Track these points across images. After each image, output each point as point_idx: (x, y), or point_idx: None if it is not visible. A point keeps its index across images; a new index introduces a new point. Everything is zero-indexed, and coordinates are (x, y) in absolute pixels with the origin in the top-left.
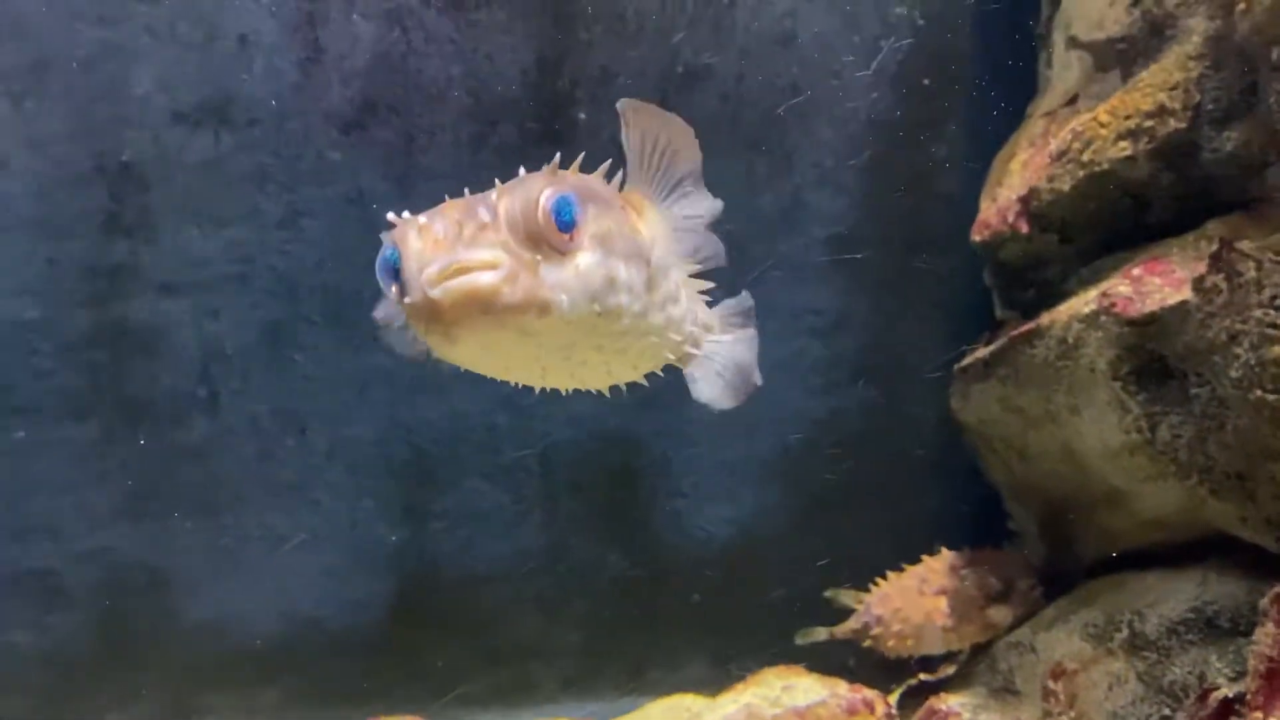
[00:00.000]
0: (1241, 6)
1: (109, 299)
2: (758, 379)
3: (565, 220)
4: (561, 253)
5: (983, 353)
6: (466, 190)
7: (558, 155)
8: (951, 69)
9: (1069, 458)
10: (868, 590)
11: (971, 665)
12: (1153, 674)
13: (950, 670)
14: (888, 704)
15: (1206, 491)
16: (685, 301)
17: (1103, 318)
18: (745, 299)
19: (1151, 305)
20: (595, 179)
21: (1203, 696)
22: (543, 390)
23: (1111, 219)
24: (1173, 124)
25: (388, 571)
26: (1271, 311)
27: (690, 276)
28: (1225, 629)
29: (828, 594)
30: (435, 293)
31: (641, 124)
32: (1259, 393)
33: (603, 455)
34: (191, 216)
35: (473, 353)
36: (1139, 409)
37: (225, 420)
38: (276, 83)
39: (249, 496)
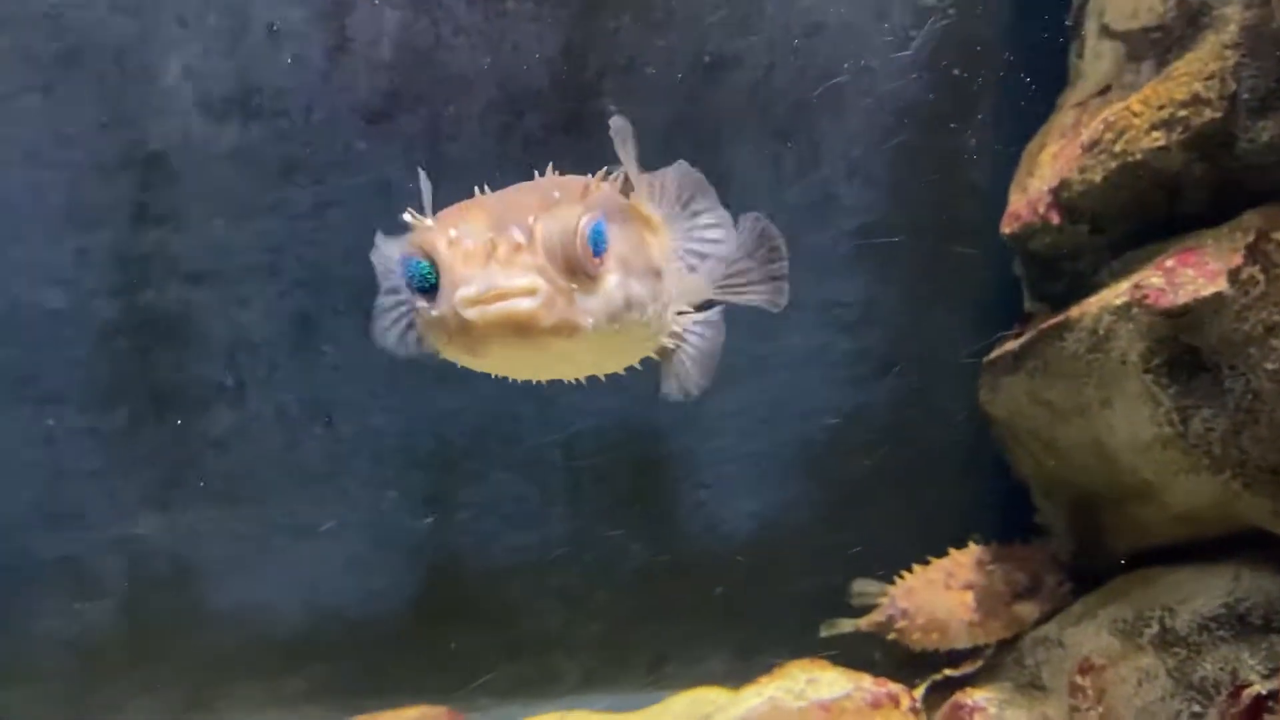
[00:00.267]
0: None
1: (138, 288)
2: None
3: (597, 247)
4: (591, 277)
5: (1012, 345)
6: (484, 188)
7: (604, 170)
8: (981, 59)
9: (1099, 451)
10: (893, 583)
11: (998, 660)
12: (1183, 670)
13: (976, 665)
14: (913, 698)
15: (1240, 486)
16: (674, 299)
17: (1134, 309)
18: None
19: (1185, 297)
20: (612, 190)
21: (1235, 693)
22: (567, 382)
23: (1144, 210)
24: (1208, 114)
25: (412, 562)
26: None
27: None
28: (1258, 625)
29: (853, 585)
30: (471, 314)
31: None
32: None
33: (627, 447)
34: (220, 206)
35: (489, 363)
36: (1171, 402)
37: (252, 410)
38: (305, 73)
39: (275, 486)
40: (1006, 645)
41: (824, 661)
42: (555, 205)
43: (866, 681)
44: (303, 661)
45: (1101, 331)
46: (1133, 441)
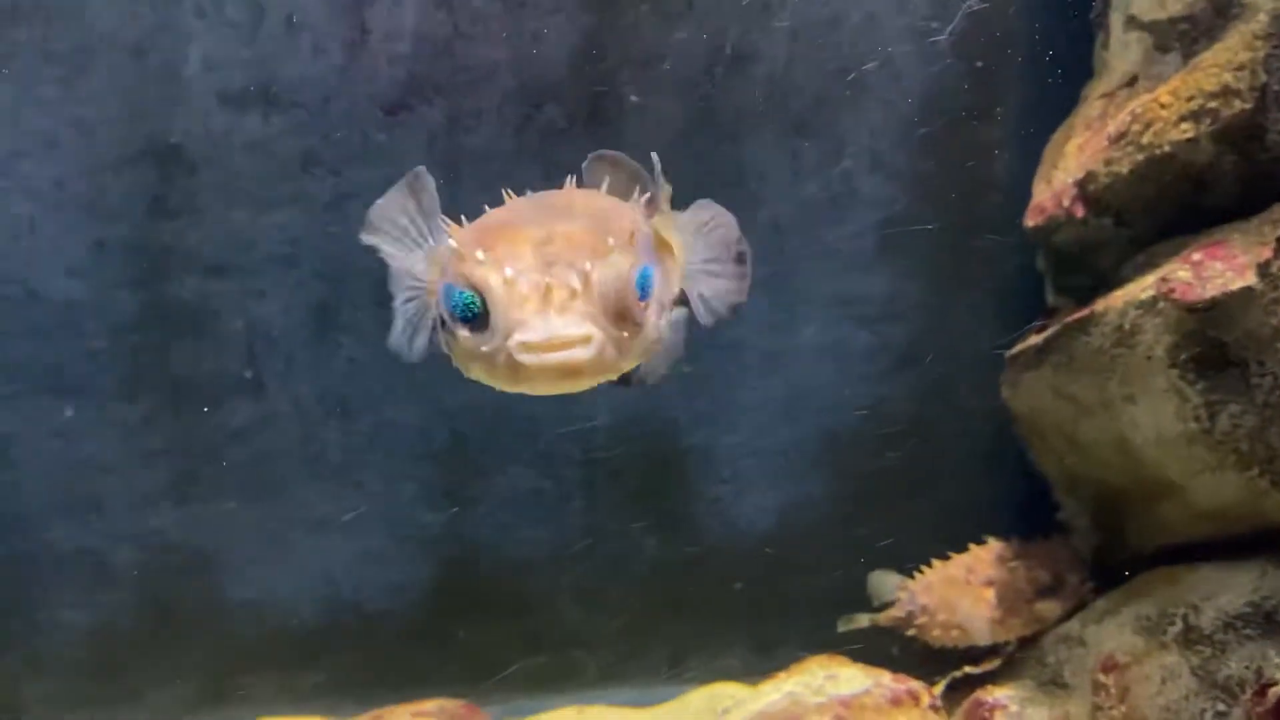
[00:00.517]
0: None
1: (156, 280)
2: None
3: (644, 293)
4: (637, 324)
5: (1035, 340)
6: (506, 192)
7: (669, 190)
8: (1005, 51)
9: (1122, 447)
10: (912, 578)
11: (1018, 658)
12: (1207, 668)
13: (996, 663)
14: (933, 695)
15: (1267, 483)
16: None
17: (1161, 303)
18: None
19: (1213, 290)
20: (640, 218)
21: (1260, 691)
22: None
23: (1171, 203)
24: (1238, 105)
25: (428, 556)
26: None
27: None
28: None
29: (870, 577)
30: (527, 359)
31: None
32: None
33: (644, 441)
34: (238, 198)
35: (516, 388)
36: (1198, 397)
37: (270, 402)
38: (323, 64)
39: (292, 479)
40: (1027, 643)
41: (843, 658)
42: (608, 250)
43: (886, 678)
44: (320, 654)
45: (1127, 326)
46: (1157, 437)
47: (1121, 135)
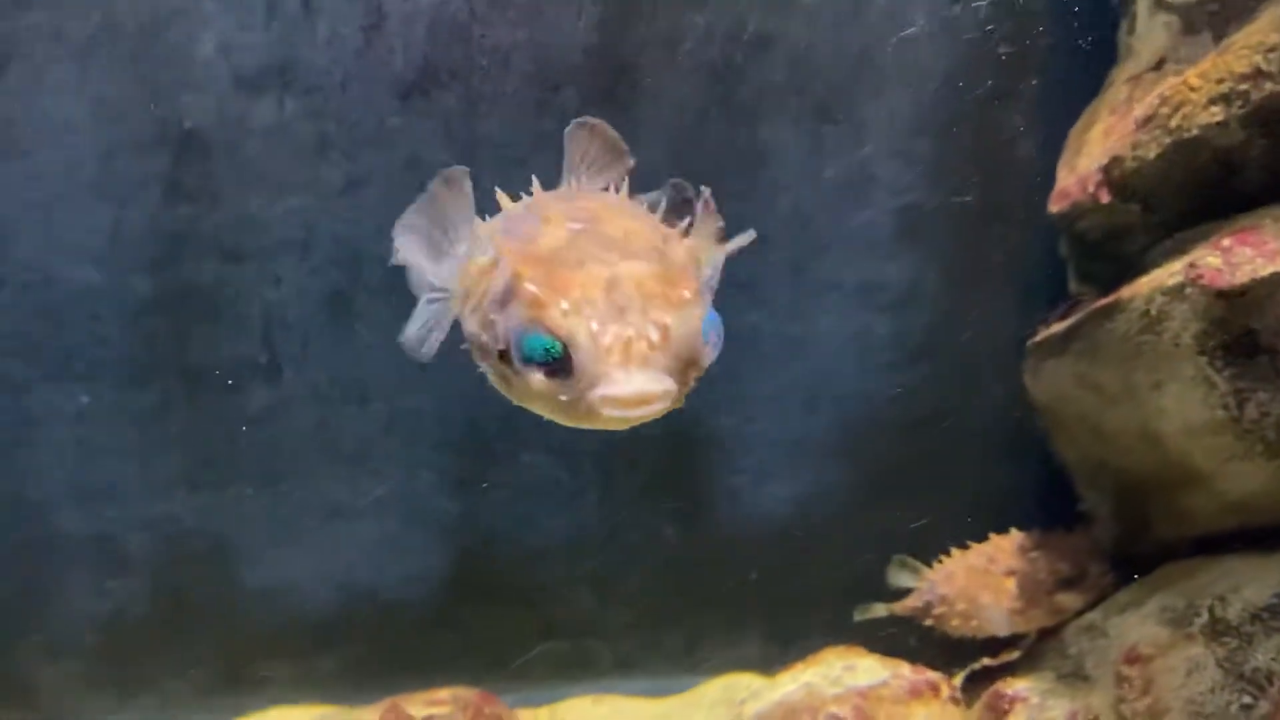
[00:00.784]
0: None
1: (171, 265)
2: None
3: (707, 339)
4: (701, 368)
5: (1058, 327)
6: (537, 183)
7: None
8: (1028, 36)
9: (1148, 437)
10: (931, 567)
11: (1039, 649)
12: (1233, 660)
13: (1015, 654)
14: (952, 686)
15: None
16: None
17: (1189, 289)
18: None
19: (1242, 277)
20: (687, 252)
21: None
22: None
23: (1199, 188)
24: (1269, 87)
25: (444, 544)
26: None
27: None
28: None
29: (891, 565)
30: (611, 411)
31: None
32: None
33: (661, 430)
34: (254, 183)
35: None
36: (1226, 385)
37: (286, 388)
38: (339, 48)
39: (308, 465)
40: (1048, 634)
41: (861, 648)
42: (682, 302)
43: (904, 669)
44: (335, 641)
45: (1154, 312)
46: (1184, 426)
47: (1149, 119)
